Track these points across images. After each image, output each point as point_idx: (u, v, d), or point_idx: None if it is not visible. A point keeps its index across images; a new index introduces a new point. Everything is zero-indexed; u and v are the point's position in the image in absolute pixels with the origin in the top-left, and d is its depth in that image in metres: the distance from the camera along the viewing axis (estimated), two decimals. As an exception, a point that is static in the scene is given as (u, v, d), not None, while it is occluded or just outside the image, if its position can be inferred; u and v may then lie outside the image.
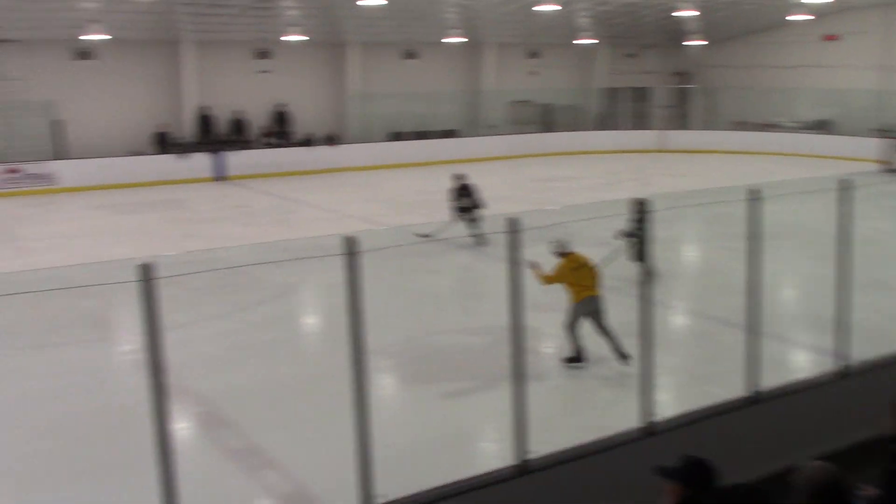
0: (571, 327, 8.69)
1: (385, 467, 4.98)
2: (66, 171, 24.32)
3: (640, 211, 6.44)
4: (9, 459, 7.00)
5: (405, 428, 7.51)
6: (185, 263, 13.27)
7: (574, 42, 31.89)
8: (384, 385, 8.67)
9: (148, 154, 26.07)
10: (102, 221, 19.28)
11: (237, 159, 26.56)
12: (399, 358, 9.36)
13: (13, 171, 23.61)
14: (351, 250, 4.71)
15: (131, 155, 25.83)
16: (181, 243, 16.11)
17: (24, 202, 22.16)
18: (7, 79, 24.16)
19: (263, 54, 28.53)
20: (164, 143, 26.34)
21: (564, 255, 8.72)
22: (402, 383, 8.92)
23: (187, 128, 27.02)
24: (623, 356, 8.54)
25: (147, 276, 4.38)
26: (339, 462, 6.40)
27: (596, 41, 32.06)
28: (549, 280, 8.49)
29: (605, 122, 34.00)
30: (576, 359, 8.78)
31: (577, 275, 8.63)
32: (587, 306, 8.66)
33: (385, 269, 12.42)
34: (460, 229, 14.75)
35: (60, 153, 24.78)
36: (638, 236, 8.79)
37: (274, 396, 8.36)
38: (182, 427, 7.31)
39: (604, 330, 8.71)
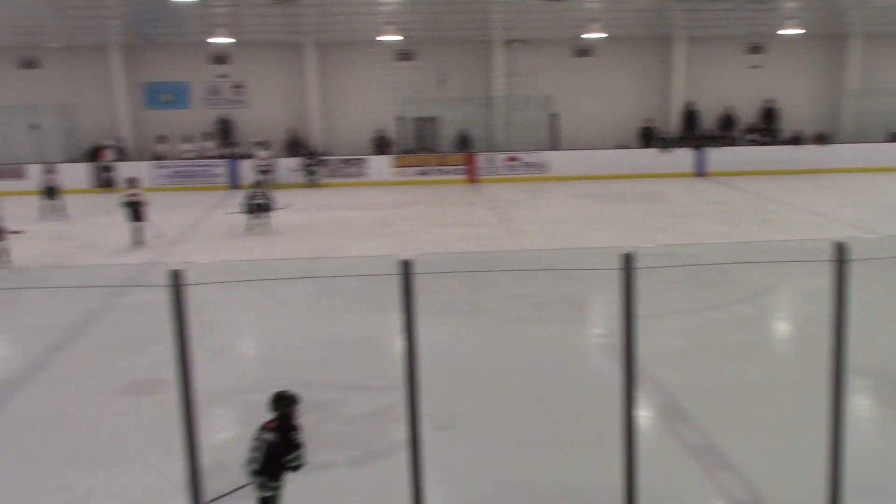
0: None
1: (855, 491, 4.64)
2: (557, 161, 26.15)
3: None
4: (489, 421, 7.79)
5: (880, 455, 6.89)
6: (660, 256, 13.55)
7: None
8: (859, 405, 8.01)
9: (632, 148, 26.94)
10: (585, 209, 20.39)
11: (719, 155, 26.23)
12: (879, 379, 8.56)
13: (513, 159, 26.05)
14: (841, 257, 4.44)
15: (616, 148, 26.89)
16: (656, 236, 16.42)
17: (520, 188, 24.32)
18: (515, 75, 26.71)
19: (755, 49, 27.71)
20: (649, 138, 26.98)
21: None
22: (882, 407, 8.16)
23: (673, 123, 27.34)
24: None
25: (628, 265, 4.58)
26: (801, 476, 6.12)
27: None
28: None
29: None
30: None
31: None
32: None
33: (875, 281, 11.41)
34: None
35: (554, 144, 26.72)
36: None
37: (737, 398, 8.19)
38: (644, 415, 7.51)
39: None
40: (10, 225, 14.55)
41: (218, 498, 5.82)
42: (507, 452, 7.01)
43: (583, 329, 10.99)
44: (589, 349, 10.13)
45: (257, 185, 19.00)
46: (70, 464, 6.89)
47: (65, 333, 10.50)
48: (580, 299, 12.22)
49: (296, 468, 5.42)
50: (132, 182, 16.94)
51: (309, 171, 25.55)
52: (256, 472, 5.38)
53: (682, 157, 26.32)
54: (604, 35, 25.32)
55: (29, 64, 26.69)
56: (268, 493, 5.43)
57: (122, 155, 26.14)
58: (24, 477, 6.62)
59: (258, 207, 17.58)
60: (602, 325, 11.06)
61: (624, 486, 5.23)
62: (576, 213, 19.92)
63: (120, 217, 16.92)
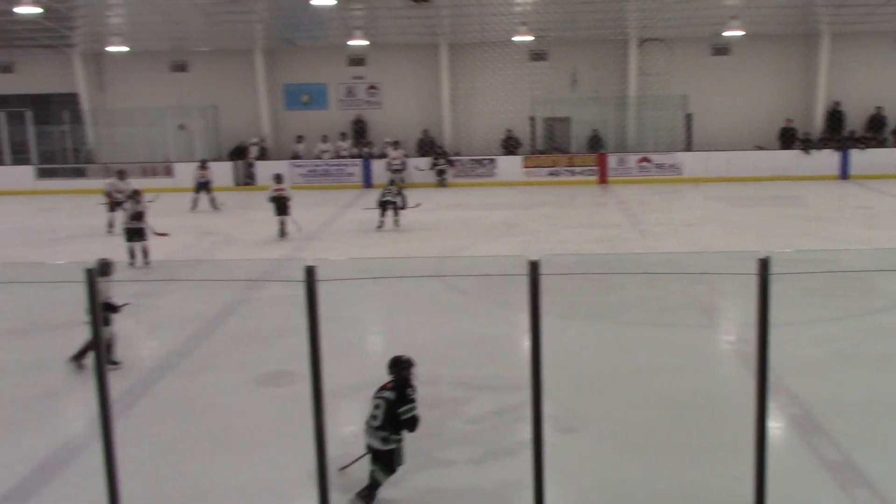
0: None
1: None
2: (691, 162, 25.54)
3: None
4: (613, 424, 7.69)
5: None
6: (798, 261, 13.03)
7: None
8: None
9: (770, 149, 26.01)
10: (719, 212, 19.83)
11: (866, 158, 25.04)
12: None
13: (645, 160, 25.61)
14: None
15: (754, 149, 26.03)
16: (795, 241, 15.83)
17: (652, 189, 23.89)
18: (649, 74, 26.23)
19: (909, 45, 26.28)
20: (790, 139, 25.98)
21: None
22: None
23: (816, 123, 26.24)
24: None
25: (764, 270, 4.44)
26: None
27: None
28: None
29: None
30: None
31: None
32: None
33: None
34: None
35: (688, 145, 26.12)
36: None
37: (878, 412, 7.79)
38: (776, 426, 7.26)
39: None
40: (157, 225, 15.17)
41: (347, 466, 6.41)
42: (631, 457, 6.90)
43: (713, 335, 10.69)
44: (719, 356, 9.85)
45: (391, 183, 19.39)
46: (204, 449, 7.22)
47: (204, 324, 11.02)
48: (711, 304, 11.89)
49: (410, 422, 5.97)
50: (278, 178, 17.77)
51: (438, 170, 25.86)
52: (378, 428, 5.96)
53: (826, 158, 25.24)
54: (742, 33, 24.51)
55: (179, 67, 28.16)
56: (390, 447, 6.00)
57: (264, 154, 27.23)
58: (162, 461, 6.98)
59: (389, 205, 17.97)
60: (733, 331, 10.73)
61: (754, 499, 5.08)
62: (709, 215, 19.39)
63: (259, 213, 17.62)
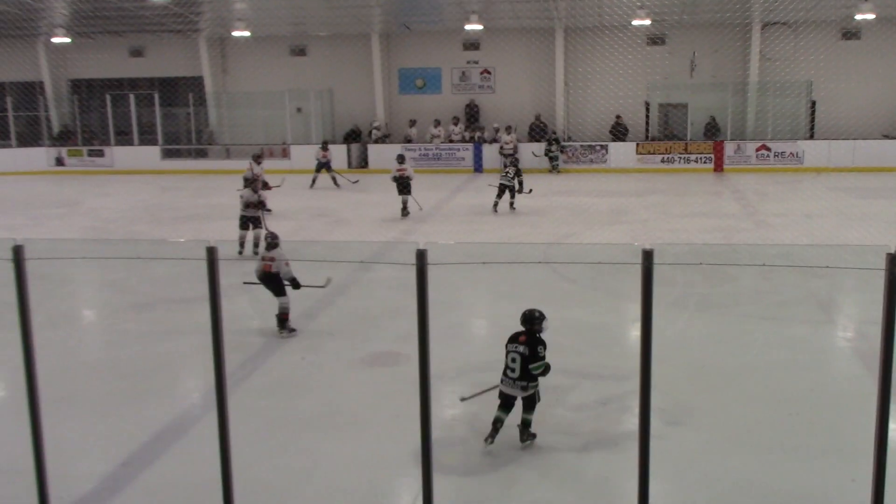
0: None
1: None
2: (813, 150, 24.58)
3: None
4: (721, 420, 7.48)
5: None
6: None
7: None
8: None
9: (902, 138, 24.83)
10: (842, 204, 19.01)
11: None
12: None
13: (764, 148, 24.78)
14: None
15: (883, 138, 24.84)
16: (923, 236, 15.04)
17: (771, 179, 23.12)
18: (770, 59, 25.32)
19: None
20: (922, 128, 24.70)
21: None
22: None
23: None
24: None
25: (892, 266, 4.25)
26: None
27: None
28: None
29: None
30: None
31: None
32: None
33: None
34: None
35: (810, 133, 25.15)
36: None
37: None
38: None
39: None
40: (275, 208, 15.19)
41: (469, 398, 7.13)
42: (739, 454, 6.72)
43: (830, 331, 10.27)
44: (835, 353, 9.46)
45: (511, 165, 19.27)
46: (312, 425, 7.40)
47: (315, 304, 11.27)
48: (829, 299, 11.45)
49: (542, 373, 6.67)
50: (401, 159, 18.31)
51: (551, 157, 25.69)
52: (517, 380, 6.64)
53: (962, 149, 23.92)
54: (874, 16, 23.35)
55: (298, 52, 28.85)
56: (529, 392, 6.71)
57: (383, 138, 27.71)
58: (269, 436, 7.18)
59: (506, 188, 18.06)
60: (852, 328, 10.29)
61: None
62: (831, 207, 18.61)
63: (371, 196, 17.90)
